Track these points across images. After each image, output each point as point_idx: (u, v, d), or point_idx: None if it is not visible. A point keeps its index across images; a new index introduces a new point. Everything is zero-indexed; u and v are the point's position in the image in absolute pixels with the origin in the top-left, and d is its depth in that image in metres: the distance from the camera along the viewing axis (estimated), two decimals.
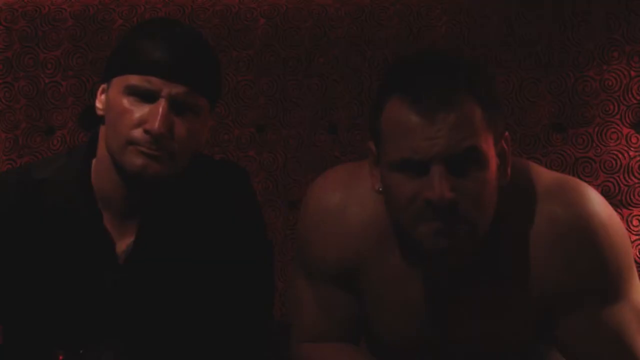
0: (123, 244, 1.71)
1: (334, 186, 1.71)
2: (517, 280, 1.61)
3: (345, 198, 1.69)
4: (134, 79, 1.63)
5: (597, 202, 1.60)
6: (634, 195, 2.32)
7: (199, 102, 1.66)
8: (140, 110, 1.63)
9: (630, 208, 2.32)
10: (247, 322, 1.75)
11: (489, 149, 1.51)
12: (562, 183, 1.63)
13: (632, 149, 2.32)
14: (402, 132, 1.49)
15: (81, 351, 1.57)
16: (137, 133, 1.62)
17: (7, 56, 2.44)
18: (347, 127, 2.41)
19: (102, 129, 1.71)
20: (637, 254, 2.31)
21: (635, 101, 2.32)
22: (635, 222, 2.32)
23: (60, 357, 1.58)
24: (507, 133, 1.57)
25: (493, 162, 1.52)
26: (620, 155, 2.32)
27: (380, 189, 1.57)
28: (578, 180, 1.66)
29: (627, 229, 2.30)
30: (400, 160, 1.50)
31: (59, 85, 2.43)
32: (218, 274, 1.72)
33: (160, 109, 1.62)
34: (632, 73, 2.32)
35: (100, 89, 1.71)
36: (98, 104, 1.70)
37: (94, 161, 1.74)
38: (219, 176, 1.78)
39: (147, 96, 1.63)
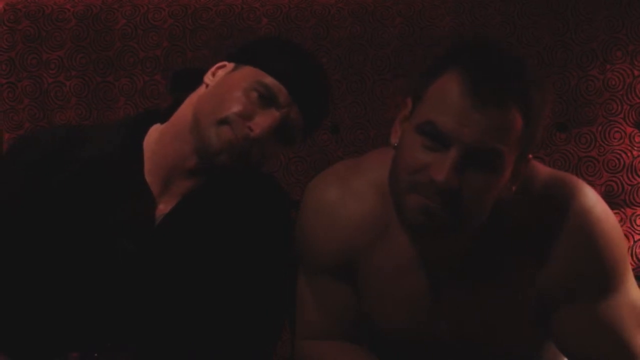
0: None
1: (330, 181, 1.72)
2: (515, 275, 1.61)
3: (342, 192, 1.69)
4: (268, 80, 1.71)
5: (592, 199, 1.62)
6: (637, 195, 2.32)
7: (299, 128, 1.75)
8: (248, 108, 1.70)
9: (634, 207, 2.32)
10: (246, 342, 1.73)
11: (510, 162, 1.51)
12: (559, 179, 1.64)
13: (635, 148, 2.32)
14: (443, 103, 1.49)
15: (95, 354, 1.57)
16: (233, 117, 1.68)
17: (11, 56, 2.44)
18: (349, 127, 2.40)
19: (190, 98, 1.76)
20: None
21: (638, 100, 2.32)
22: (638, 222, 2.32)
23: (75, 355, 1.58)
24: (530, 156, 1.56)
25: (508, 173, 1.52)
26: (623, 155, 2.32)
27: (396, 144, 1.56)
28: (574, 177, 1.67)
29: (630, 229, 2.30)
30: (428, 123, 1.49)
31: (62, 85, 2.43)
32: (226, 284, 1.71)
33: (270, 120, 1.70)
34: (636, 72, 2.32)
35: (222, 64, 1.78)
36: (210, 76, 1.77)
37: (157, 125, 1.78)
38: (263, 192, 1.80)
39: (266, 99, 1.70)
